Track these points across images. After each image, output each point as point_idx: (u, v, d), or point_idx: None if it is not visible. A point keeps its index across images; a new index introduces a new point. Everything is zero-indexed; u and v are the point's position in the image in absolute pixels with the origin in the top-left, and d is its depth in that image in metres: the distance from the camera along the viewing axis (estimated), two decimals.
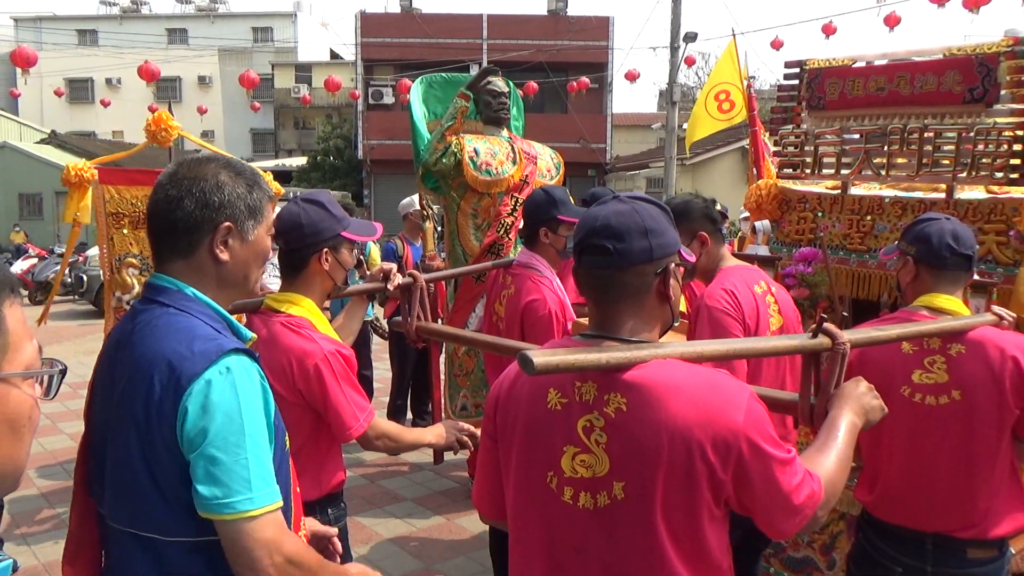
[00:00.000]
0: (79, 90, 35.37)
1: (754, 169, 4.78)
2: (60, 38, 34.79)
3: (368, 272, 3.09)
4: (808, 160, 3.30)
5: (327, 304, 4.19)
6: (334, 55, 38.63)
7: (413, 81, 5.56)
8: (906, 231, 2.25)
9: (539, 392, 1.45)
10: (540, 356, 1.27)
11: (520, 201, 4.67)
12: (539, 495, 1.44)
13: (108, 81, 34.48)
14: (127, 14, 39.70)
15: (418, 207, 5.86)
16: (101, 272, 4.69)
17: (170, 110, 4.73)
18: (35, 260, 15.57)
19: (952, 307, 2.14)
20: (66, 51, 33.21)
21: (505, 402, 1.52)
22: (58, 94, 24.99)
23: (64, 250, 4.70)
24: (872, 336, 1.88)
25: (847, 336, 1.65)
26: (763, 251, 3.33)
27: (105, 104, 25.20)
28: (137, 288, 4.48)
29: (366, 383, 5.63)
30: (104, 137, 32.11)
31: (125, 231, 4.47)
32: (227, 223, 1.42)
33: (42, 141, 24.81)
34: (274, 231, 1.58)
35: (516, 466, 1.49)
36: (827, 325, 1.63)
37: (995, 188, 2.84)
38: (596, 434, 1.37)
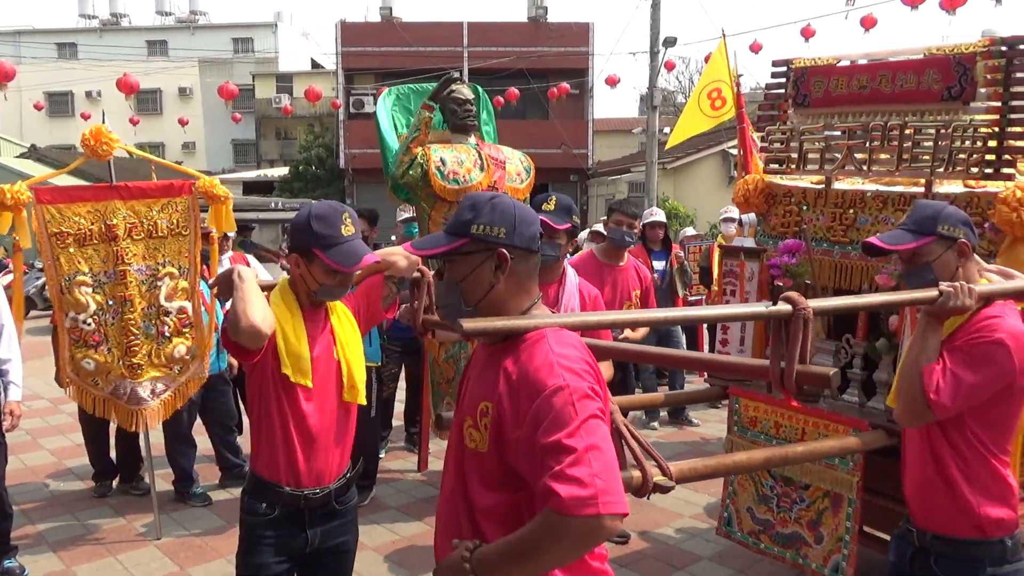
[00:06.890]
0: (59, 103, 35.05)
1: (742, 169, 4.83)
2: (39, 51, 34.50)
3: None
4: (794, 156, 3.36)
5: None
6: (315, 65, 38.58)
7: None
8: (941, 216, 2.07)
9: None
10: (469, 323, 1.46)
11: None
12: None
13: (88, 94, 34.15)
14: (107, 27, 39.48)
15: (406, 216, 5.86)
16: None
17: (103, 120, 4.39)
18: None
19: None
20: (45, 64, 32.88)
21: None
22: (37, 108, 24.73)
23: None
24: (838, 304, 1.95)
25: (811, 303, 1.71)
26: (749, 243, 3.39)
27: (85, 117, 24.91)
28: (93, 306, 4.12)
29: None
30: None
31: (71, 250, 4.11)
32: None
33: (22, 156, 24.49)
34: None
35: None
36: (789, 293, 1.70)
37: (972, 183, 2.93)
38: None
